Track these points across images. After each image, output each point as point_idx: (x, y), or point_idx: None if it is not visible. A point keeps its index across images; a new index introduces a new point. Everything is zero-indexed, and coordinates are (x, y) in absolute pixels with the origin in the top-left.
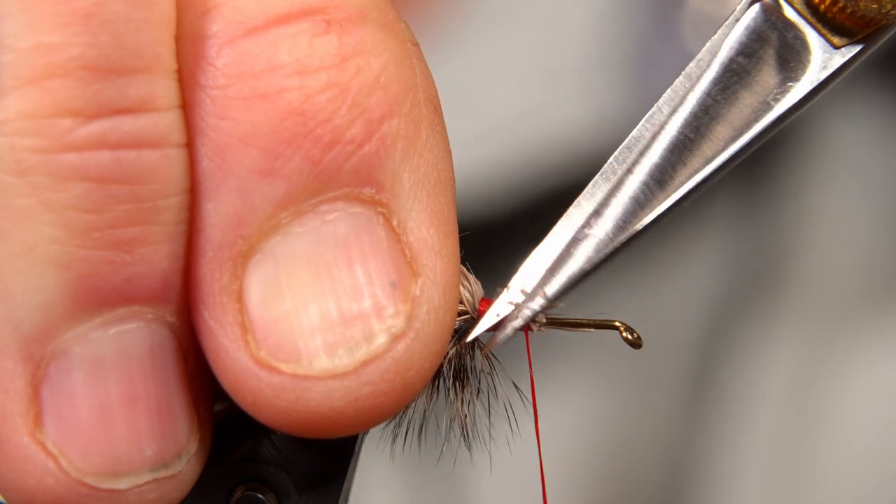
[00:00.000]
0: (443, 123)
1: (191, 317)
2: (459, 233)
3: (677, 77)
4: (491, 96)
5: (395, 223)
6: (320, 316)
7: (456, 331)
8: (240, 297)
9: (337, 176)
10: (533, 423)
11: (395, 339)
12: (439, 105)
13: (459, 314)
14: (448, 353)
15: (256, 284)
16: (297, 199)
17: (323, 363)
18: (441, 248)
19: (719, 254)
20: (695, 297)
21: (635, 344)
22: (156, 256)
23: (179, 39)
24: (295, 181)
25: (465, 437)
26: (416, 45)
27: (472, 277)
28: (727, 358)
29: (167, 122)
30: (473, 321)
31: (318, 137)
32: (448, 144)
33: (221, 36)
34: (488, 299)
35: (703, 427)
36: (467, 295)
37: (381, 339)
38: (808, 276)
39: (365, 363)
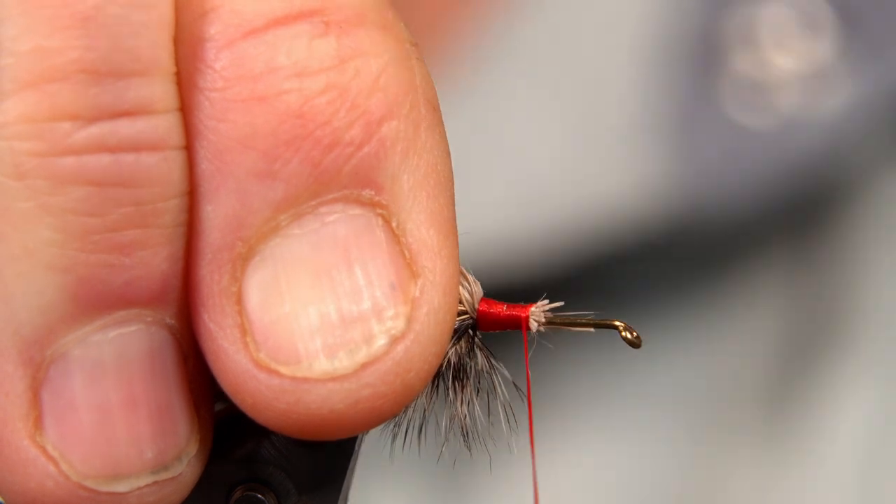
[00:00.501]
0: (442, 124)
1: (190, 319)
2: (460, 234)
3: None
4: (523, 156)
5: (394, 224)
6: (320, 318)
7: (455, 331)
8: (239, 300)
9: (336, 178)
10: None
11: (394, 340)
12: (438, 106)
13: (458, 314)
14: (447, 353)
15: (256, 286)
16: (296, 201)
17: (322, 365)
18: (440, 249)
19: (782, 302)
20: (760, 347)
21: (634, 343)
22: (155, 259)
23: (178, 41)
24: (294, 183)
25: (464, 436)
26: (416, 45)
27: (471, 277)
28: (797, 406)
29: (166, 124)
30: (473, 321)
31: (318, 139)
32: (447, 146)
33: (220, 38)
34: (488, 299)
35: (776, 474)
36: (466, 295)
37: (380, 341)
38: (874, 323)
39: (365, 365)
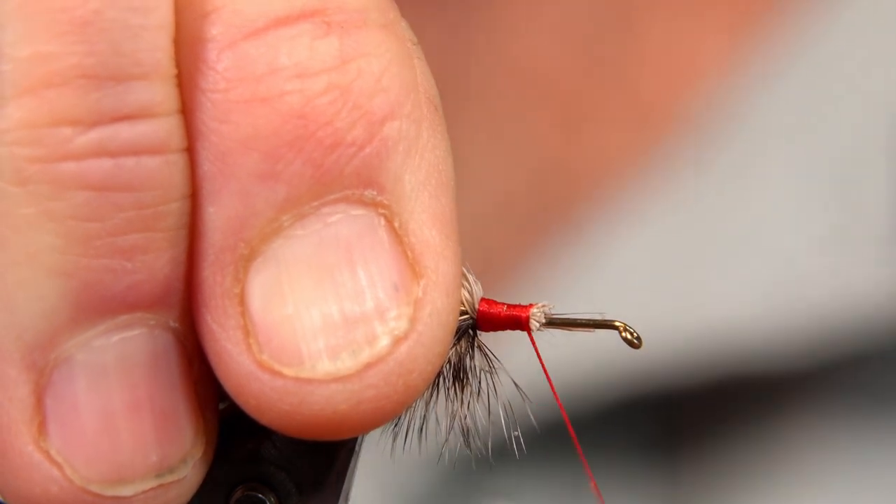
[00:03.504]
0: (443, 123)
1: (194, 320)
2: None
3: None
4: (768, 248)
5: (396, 225)
6: (322, 319)
7: (456, 331)
8: (242, 301)
9: (338, 178)
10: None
11: (397, 341)
12: (440, 105)
13: (459, 314)
14: (448, 353)
15: (258, 288)
16: (298, 202)
17: (325, 366)
18: (443, 249)
19: None
20: None
21: (634, 344)
22: (158, 263)
23: (179, 42)
24: (296, 184)
25: (465, 436)
26: (416, 44)
27: (471, 277)
28: None
29: (167, 127)
30: (473, 321)
31: (320, 140)
32: (448, 144)
33: (221, 39)
34: (488, 300)
35: None
36: (467, 295)
37: (383, 342)
38: None
39: (368, 366)
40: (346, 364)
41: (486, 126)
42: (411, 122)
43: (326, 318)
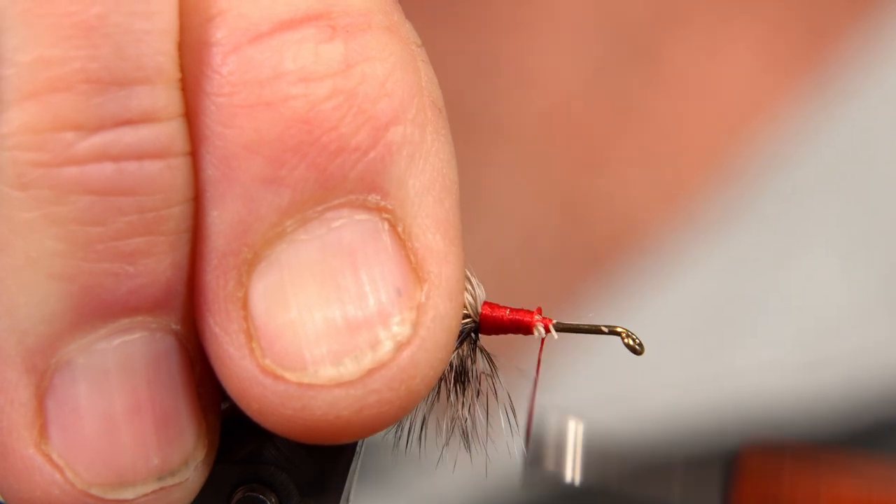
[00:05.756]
0: (447, 126)
1: (196, 324)
2: None
3: None
4: (807, 309)
5: (400, 229)
6: (325, 324)
7: (458, 334)
8: (245, 305)
9: (342, 183)
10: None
11: (400, 346)
12: (443, 108)
13: (462, 318)
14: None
15: (262, 292)
16: (302, 206)
17: (328, 372)
18: (446, 253)
19: None
20: None
21: (636, 350)
22: (160, 266)
23: (183, 46)
24: (300, 189)
25: (465, 439)
26: (421, 46)
27: (474, 281)
28: None
29: (170, 132)
30: (476, 325)
31: (324, 145)
32: (452, 149)
33: (226, 43)
34: (491, 303)
35: None
36: (469, 298)
37: (386, 347)
38: None
39: (371, 371)
40: (349, 369)
41: (512, 159)
42: (415, 126)
43: (329, 322)
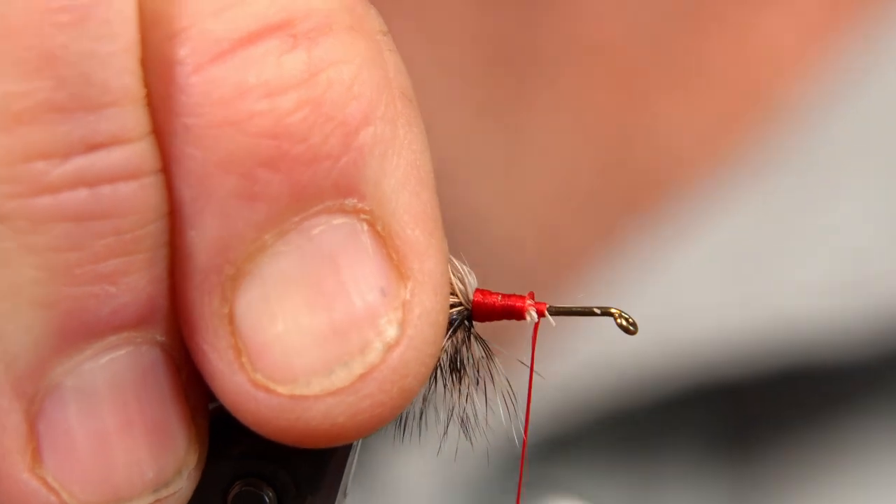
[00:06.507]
0: (418, 116)
1: (185, 341)
2: None
3: None
4: (843, 243)
5: (379, 228)
6: (313, 333)
7: (451, 322)
8: (231, 321)
9: (318, 192)
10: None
11: (389, 348)
12: (413, 96)
13: (454, 306)
14: (444, 345)
15: (247, 307)
16: (279, 219)
17: (320, 381)
18: (427, 247)
19: None
20: None
21: (629, 330)
22: (140, 283)
23: (147, 62)
24: (275, 203)
25: (463, 427)
26: (386, 33)
27: (465, 268)
28: None
29: (140, 151)
30: (469, 312)
31: (295, 158)
32: (425, 139)
33: (189, 63)
34: (483, 290)
35: None
36: (460, 286)
37: (375, 350)
38: None
39: (362, 377)
40: (340, 377)
41: (554, 104)
42: (386, 122)
43: (316, 331)
